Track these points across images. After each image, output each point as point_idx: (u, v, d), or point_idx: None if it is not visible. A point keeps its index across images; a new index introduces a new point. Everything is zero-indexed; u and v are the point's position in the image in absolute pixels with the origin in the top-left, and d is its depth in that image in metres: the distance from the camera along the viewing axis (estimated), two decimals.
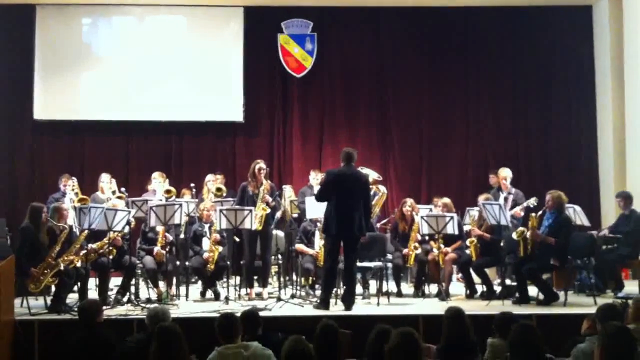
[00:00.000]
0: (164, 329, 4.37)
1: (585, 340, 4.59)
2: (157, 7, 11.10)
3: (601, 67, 10.88)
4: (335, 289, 7.53)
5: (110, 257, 7.56)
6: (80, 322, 5.40)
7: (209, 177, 9.50)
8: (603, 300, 6.47)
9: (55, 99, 10.89)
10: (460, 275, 8.67)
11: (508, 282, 8.27)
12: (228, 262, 8.23)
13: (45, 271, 7.04)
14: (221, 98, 11.05)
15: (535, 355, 4.11)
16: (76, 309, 6.94)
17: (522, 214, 8.58)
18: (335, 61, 11.21)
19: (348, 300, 7.14)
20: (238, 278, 8.37)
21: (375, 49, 11.28)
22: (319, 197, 7.44)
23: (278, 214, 8.72)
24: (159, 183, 9.06)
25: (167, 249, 7.95)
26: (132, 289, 7.77)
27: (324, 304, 7.10)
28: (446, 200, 8.56)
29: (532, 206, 8.34)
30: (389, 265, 8.35)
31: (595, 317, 4.89)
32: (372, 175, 8.95)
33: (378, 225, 9.43)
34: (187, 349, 4.35)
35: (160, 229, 7.93)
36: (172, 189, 8.82)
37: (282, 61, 11.08)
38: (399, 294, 8.26)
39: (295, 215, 9.04)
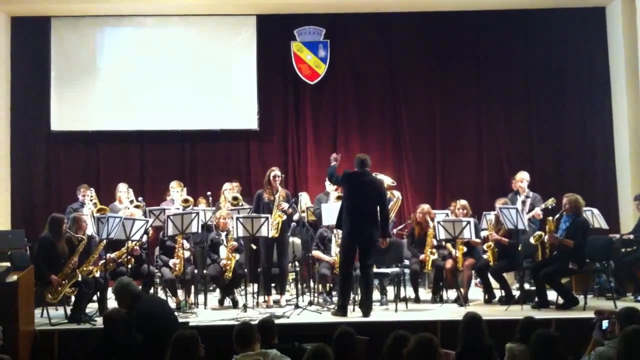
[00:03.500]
0: (180, 336, 4.38)
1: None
2: (170, 17, 11.16)
3: (615, 68, 10.79)
4: (352, 296, 7.53)
5: (129, 266, 7.61)
6: (105, 330, 5.47)
7: (227, 186, 9.50)
8: (623, 304, 6.41)
9: (72, 110, 10.97)
10: (478, 280, 8.63)
11: (527, 286, 8.22)
12: (245, 270, 8.24)
13: (64, 281, 7.10)
14: (235, 106, 11.08)
15: None
16: (96, 319, 7.03)
17: (542, 214, 8.53)
18: (348, 67, 11.21)
19: (365, 306, 7.14)
20: (255, 285, 8.39)
21: (388, 54, 11.26)
22: (331, 176, 7.54)
23: (295, 216, 8.72)
24: (176, 192, 9.11)
25: (185, 257, 7.97)
26: None
27: (341, 310, 7.11)
28: (464, 202, 8.53)
29: (550, 207, 8.28)
30: (406, 271, 8.34)
31: (615, 320, 4.85)
32: (386, 180, 8.95)
33: (394, 231, 9.43)
34: (202, 358, 4.36)
35: (178, 238, 7.95)
36: (190, 198, 8.86)
37: (296, 68, 11.09)
38: (417, 299, 8.24)
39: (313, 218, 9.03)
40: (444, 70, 11.22)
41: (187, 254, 8.05)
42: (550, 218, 7.71)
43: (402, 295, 7.95)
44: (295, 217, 8.68)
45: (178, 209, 8.60)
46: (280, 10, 11.03)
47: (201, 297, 8.19)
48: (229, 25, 11.14)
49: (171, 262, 7.99)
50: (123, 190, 9.32)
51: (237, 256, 8.08)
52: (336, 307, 7.23)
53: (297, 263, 8.71)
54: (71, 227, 7.47)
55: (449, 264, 8.10)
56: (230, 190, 9.36)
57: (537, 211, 8.57)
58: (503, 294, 7.95)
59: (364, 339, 5.34)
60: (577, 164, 11.03)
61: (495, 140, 11.11)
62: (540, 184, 10.38)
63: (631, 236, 8.60)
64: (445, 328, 6.39)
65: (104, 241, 7.49)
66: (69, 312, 7.14)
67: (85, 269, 7.31)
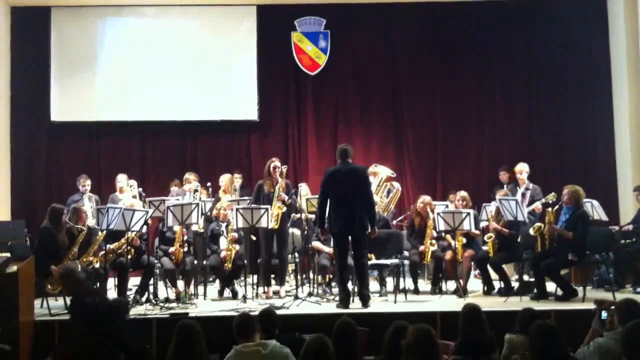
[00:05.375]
0: (184, 326, 4.39)
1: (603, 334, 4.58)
2: (171, 8, 11.14)
3: (617, 60, 10.76)
4: (352, 287, 7.53)
5: (129, 257, 7.62)
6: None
7: (223, 178, 9.45)
8: (622, 296, 6.41)
9: (72, 100, 10.97)
10: (477, 271, 8.63)
11: (526, 278, 8.23)
12: (245, 261, 8.25)
13: None
14: (235, 97, 11.08)
15: (558, 355, 4.09)
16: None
17: (542, 208, 8.53)
18: (348, 58, 11.19)
19: (363, 296, 7.14)
20: (255, 277, 8.40)
21: (389, 45, 11.24)
22: (320, 199, 7.36)
23: (297, 215, 8.71)
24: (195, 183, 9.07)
25: (185, 249, 7.98)
26: (151, 288, 7.82)
27: (343, 303, 7.11)
28: (464, 193, 8.50)
29: (550, 202, 8.27)
30: (406, 262, 8.34)
31: (614, 312, 4.85)
32: (386, 172, 8.96)
33: (394, 222, 9.43)
34: (206, 348, 4.38)
35: (177, 228, 7.96)
36: None
37: (296, 59, 11.08)
38: (416, 291, 8.23)
39: (312, 217, 9.03)
40: (446, 62, 11.21)
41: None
42: (550, 209, 7.71)
43: (401, 286, 7.95)
44: (298, 215, 8.68)
45: (194, 197, 8.56)
46: (281, 1, 11.02)
47: (201, 288, 8.20)
48: (229, 16, 11.12)
49: (171, 249, 8.00)
50: (122, 181, 9.32)
51: (237, 247, 8.09)
52: (339, 300, 7.22)
53: (296, 254, 8.71)
54: (71, 217, 7.47)
55: (448, 255, 8.09)
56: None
57: (537, 205, 8.56)
58: (502, 286, 7.96)
59: (364, 330, 5.35)
60: (578, 158, 11.02)
61: (496, 134, 11.11)
62: (542, 177, 10.36)
63: (630, 227, 8.60)
64: (445, 319, 6.39)
65: (104, 232, 7.49)
66: (68, 302, 7.14)
67: (85, 259, 7.31)
